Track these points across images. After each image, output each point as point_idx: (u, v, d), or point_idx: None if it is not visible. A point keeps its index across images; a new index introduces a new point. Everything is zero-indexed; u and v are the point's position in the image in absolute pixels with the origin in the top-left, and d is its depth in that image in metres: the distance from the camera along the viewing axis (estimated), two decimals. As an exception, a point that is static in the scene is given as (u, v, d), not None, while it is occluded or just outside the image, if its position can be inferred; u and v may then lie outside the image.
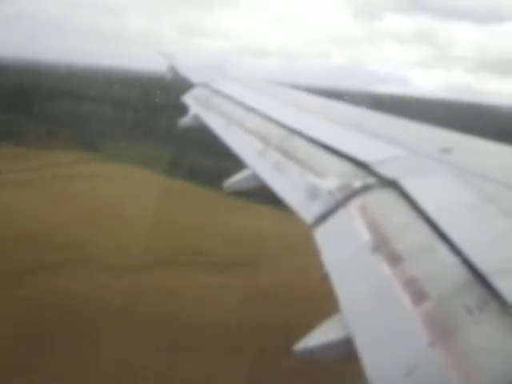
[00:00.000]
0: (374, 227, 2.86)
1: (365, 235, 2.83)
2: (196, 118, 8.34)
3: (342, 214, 3.20)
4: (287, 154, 4.64)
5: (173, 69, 13.99)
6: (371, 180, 3.37)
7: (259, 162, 4.92)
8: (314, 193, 3.66)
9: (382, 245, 2.65)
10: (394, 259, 2.47)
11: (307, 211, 3.46)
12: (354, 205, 3.20)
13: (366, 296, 2.43)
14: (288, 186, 4.11)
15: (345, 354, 2.28)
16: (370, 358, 2.03)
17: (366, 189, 3.30)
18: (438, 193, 3.04)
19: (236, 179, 4.92)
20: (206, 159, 33.07)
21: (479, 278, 2.02)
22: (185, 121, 8.69)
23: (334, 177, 3.69)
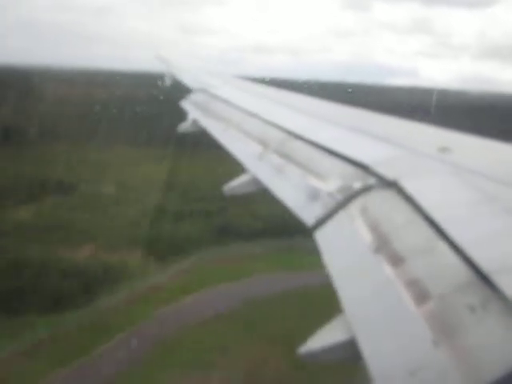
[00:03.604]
0: (375, 228, 2.86)
1: (366, 236, 2.83)
2: (195, 123, 8.35)
3: (342, 216, 3.20)
4: (286, 156, 4.64)
5: (170, 74, 14.01)
6: (371, 181, 3.38)
7: (258, 165, 4.92)
8: (313, 195, 3.66)
9: (384, 245, 2.65)
10: (396, 259, 2.48)
11: (307, 213, 3.47)
12: (355, 206, 3.20)
13: (369, 297, 2.44)
14: (288, 188, 4.11)
15: (349, 356, 2.28)
16: (374, 359, 2.03)
17: (366, 190, 3.31)
18: (438, 192, 3.04)
19: (236, 183, 4.93)
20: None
21: (481, 276, 2.02)
22: (184, 126, 8.70)
23: (333, 178, 3.69)
